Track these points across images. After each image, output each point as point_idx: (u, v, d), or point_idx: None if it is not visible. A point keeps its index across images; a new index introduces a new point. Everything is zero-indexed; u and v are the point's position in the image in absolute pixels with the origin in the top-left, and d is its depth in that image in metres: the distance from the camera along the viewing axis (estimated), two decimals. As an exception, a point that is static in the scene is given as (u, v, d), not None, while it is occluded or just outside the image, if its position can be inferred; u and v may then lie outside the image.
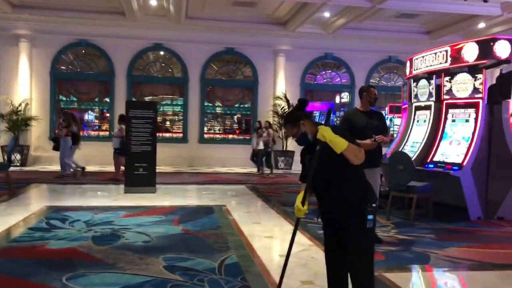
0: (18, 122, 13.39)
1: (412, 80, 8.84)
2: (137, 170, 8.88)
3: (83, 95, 15.00)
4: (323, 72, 16.03)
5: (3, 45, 13.81)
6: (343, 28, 13.59)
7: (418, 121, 8.51)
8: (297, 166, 14.66)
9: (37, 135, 14.08)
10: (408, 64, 9.22)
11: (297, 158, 14.79)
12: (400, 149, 8.15)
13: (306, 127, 2.94)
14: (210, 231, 5.79)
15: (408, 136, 8.46)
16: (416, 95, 8.59)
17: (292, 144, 14.86)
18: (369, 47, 15.24)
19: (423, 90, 8.36)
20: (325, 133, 2.68)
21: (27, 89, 13.84)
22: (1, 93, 13.69)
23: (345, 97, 16.71)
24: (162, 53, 15.06)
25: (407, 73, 9.27)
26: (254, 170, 13.50)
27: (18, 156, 13.17)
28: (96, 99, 15.18)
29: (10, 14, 13.15)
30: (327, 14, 12.37)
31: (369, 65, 15.95)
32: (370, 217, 2.75)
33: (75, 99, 15.06)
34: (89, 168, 11.94)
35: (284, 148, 14.70)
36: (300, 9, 11.98)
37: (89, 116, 15.95)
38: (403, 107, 9.56)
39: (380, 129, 5.05)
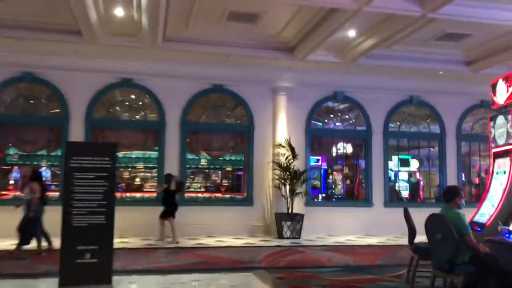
0: None
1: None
2: (80, 256, 5.32)
3: (27, 145, 11.42)
4: (333, 116, 13.05)
5: None
6: (363, 58, 10.72)
7: (497, 173, 6.56)
8: (306, 234, 11.15)
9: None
10: (495, 88, 6.87)
11: (306, 223, 11.27)
12: (482, 211, 6.33)
13: None
14: None
15: (487, 194, 6.56)
16: (494, 138, 6.72)
17: (298, 206, 11.46)
18: (390, 84, 12.43)
19: (501, 130, 6.49)
20: None
21: None
22: None
23: (342, 148, 13.39)
24: (132, 93, 11.84)
25: (494, 102, 6.89)
26: (252, 240, 10.20)
27: None
28: (44, 151, 11.57)
29: None
30: (352, 33, 9.38)
31: (388, 107, 13.09)
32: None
33: (16, 152, 11.41)
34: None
35: (290, 210, 11.27)
36: (320, 24, 8.77)
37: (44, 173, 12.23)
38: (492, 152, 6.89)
39: None
